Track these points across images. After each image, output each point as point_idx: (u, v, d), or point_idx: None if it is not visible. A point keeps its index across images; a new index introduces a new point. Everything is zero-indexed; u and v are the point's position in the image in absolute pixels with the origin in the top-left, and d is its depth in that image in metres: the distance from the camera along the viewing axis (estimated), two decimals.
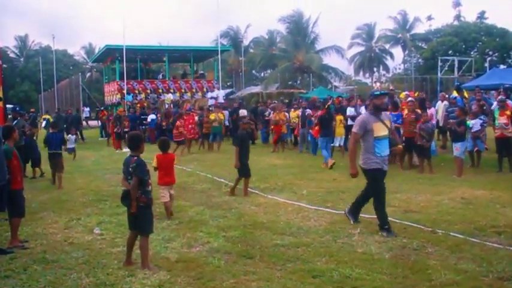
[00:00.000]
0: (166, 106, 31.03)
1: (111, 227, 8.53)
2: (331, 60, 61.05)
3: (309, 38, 59.48)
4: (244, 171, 11.32)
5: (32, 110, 38.26)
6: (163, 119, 27.92)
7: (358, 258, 6.55)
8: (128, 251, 6.59)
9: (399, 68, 76.15)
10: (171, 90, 32.52)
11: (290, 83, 57.17)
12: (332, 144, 17.48)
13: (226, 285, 5.73)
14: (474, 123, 13.93)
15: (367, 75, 76.47)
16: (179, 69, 40.87)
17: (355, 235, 7.61)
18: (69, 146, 18.51)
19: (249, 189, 11.74)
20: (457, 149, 12.90)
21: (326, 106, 17.09)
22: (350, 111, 21.08)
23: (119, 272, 6.24)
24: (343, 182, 12.26)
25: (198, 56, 36.09)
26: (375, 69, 76.04)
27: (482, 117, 14.75)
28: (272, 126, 21.71)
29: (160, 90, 32.35)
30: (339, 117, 17.96)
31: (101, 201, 10.77)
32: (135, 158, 6.36)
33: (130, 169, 6.29)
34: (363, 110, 19.30)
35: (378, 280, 5.74)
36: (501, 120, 13.67)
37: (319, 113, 17.16)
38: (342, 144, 17.86)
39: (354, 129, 8.04)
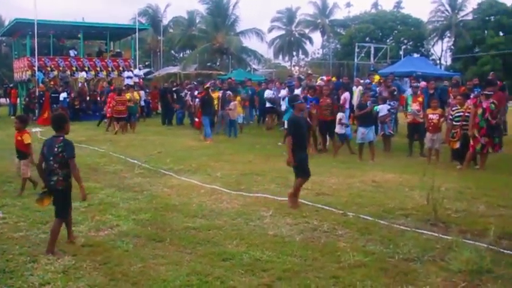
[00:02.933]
0: (80, 84, 29.95)
1: (14, 210, 8.08)
2: (250, 43, 61.28)
3: (229, 20, 59.38)
4: (302, 168, 8.41)
5: None
6: (76, 98, 26.98)
7: (269, 240, 6.54)
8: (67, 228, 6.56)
9: (318, 53, 77.81)
10: (86, 68, 31.37)
11: (209, 64, 56.99)
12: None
13: (133, 270, 5.56)
14: (381, 108, 14.34)
15: (286, 58, 77.55)
16: (95, 46, 39.47)
17: (267, 218, 7.59)
18: None
19: (162, 170, 11.51)
20: (363, 133, 13.25)
21: (205, 88, 18.78)
22: (268, 93, 21.24)
23: (20, 258, 5.92)
24: (258, 164, 12.27)
25: (114, 33, 34.94)
26: (294, 53, 77.21)
27: (392, 103, 15.24)
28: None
29: (74, 68, 31.11)
30: (238, 98, 20.21)
31: (5, 183, 10.21)
32: (61, 138, 6.19)
33: (55, 149, 6.09)
34: (283, 92, 19.49)
35: (287, 262, 5.75)
36: (414, 106, 14.14)
37: (201, 94, 19.02)
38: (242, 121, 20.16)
39: None
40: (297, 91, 17.93)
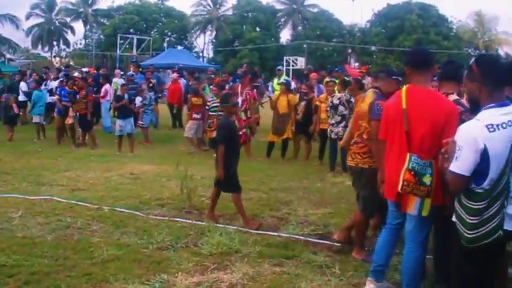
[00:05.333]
0: None
1: None
2: (4, 30, 56.79)
3: None
4: (234, 182, 7.18)
5: None
6: None
7: (18, 243, 6.10)
8: None
9: (80, 44, 74.95)
10: None
11: None
12: None
13: None
14: (138, 101, 14.55)
15: (46, 49, 73.29)
16: None
17: (16, 219, 7.08)
18: None
19: None
20: (120, 125, 13.35)
21: None
22: (23, 86, 19.92)
23: None
24: (9, 163, 11.43)
25: None
26: (55, 43, 73.38)
27: (148, 95, 15.57)
28: None
29: None
30: None
31: None
32: None
33: None
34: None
35: (37, 264, 5.43)
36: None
37: None
38: None
39: None
40: (54, 83, 17.25)
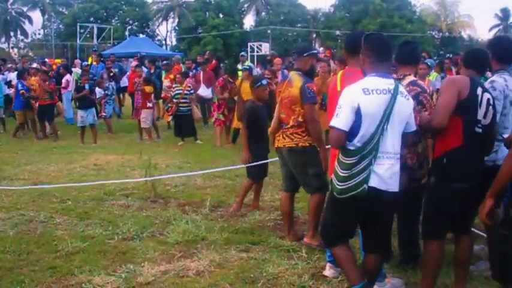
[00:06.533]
0: None
1: None
2: None
3: None
4: (258, 169, 6.98)
5: None
6: None
7: None
8: None
9: (39, 34, 73.26)
10: None
11: None
12: None
13: None
14: (98, 92, 14.44)
15: (3, 39, 71.44)
16: None
17: None
18: None
19: None
20: (82, 116, 13.20)
21: None
22: None
23: None
24: None
25: None
26: (12, 33, 71.57)
27: (109, 85, 15.44)
28: None
29: None
30: None
31: None
32: None
33: None
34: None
35: None
36: (165, 83, 14.92)
37: None
38: None
39: None
40: (13, 74, 16.97)
